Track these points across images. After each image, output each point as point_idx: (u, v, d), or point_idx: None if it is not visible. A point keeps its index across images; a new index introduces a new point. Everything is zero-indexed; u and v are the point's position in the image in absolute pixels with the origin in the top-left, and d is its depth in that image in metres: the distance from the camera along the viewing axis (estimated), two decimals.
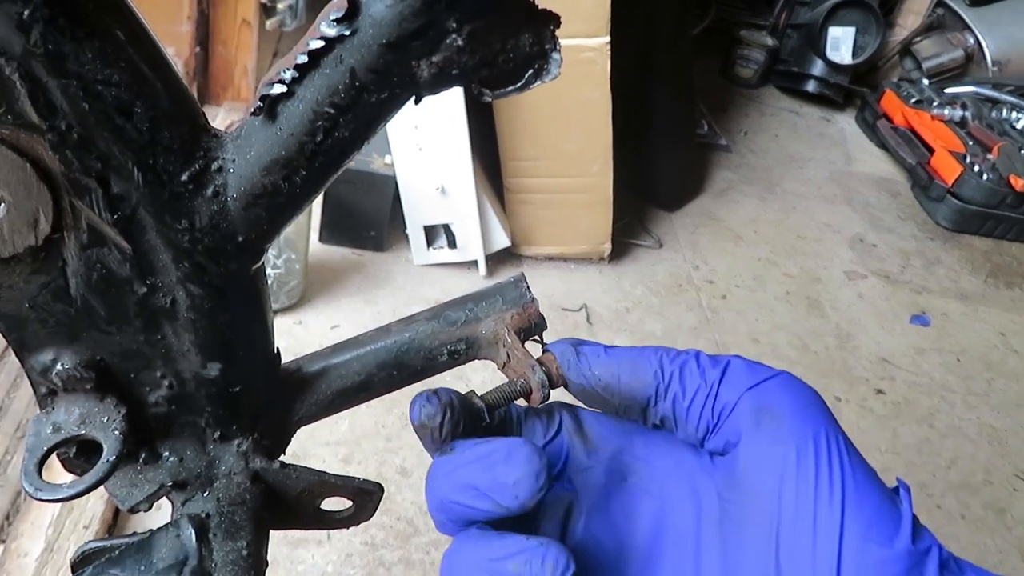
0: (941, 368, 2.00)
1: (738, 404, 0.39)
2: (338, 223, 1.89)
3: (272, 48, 2.34)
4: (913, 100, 3.00)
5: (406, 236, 1.90)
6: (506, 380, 0.42)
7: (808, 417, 0.38)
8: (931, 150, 2.80)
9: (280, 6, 2.01)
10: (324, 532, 1.28)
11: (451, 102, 1.70)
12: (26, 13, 0.26)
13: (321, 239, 1.89)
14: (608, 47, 1.76)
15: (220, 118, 1.97)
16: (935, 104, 2.91)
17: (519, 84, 0.31)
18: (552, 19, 0.31)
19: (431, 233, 1.90)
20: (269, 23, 2.01)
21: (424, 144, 1.74)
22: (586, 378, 0.42)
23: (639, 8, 1.99)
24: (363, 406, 0.47)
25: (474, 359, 0.45)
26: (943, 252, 2.53)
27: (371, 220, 1.88)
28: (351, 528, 0.50)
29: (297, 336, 1.64)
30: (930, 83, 3.13)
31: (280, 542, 1.24)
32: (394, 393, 0.47)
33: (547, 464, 0.35)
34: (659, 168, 2.32)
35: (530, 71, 0.31)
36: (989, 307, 2.29)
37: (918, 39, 3.25)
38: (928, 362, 2.02)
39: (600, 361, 0.42)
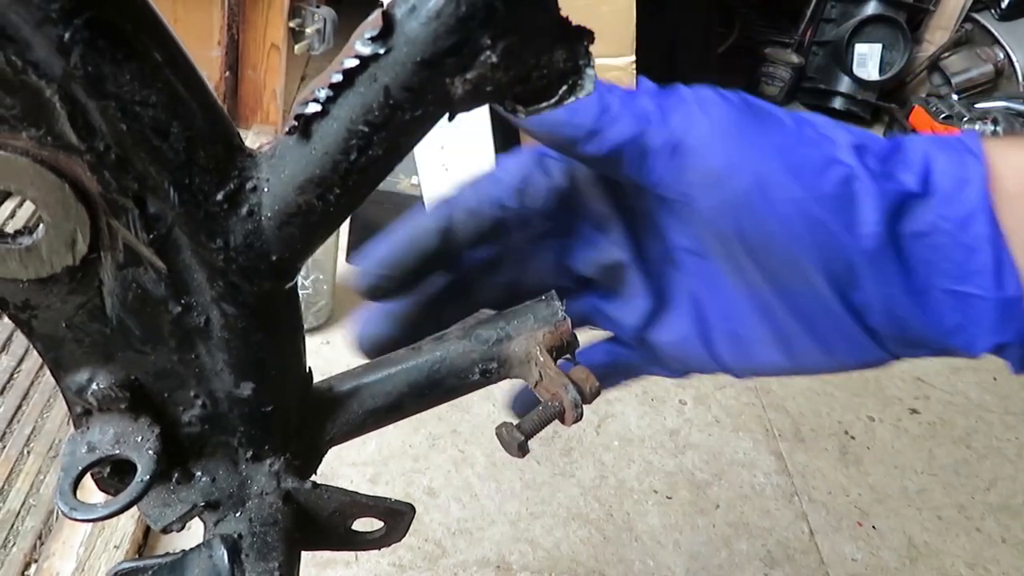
0: (977, 387, 1.96)
1: None
2: (365, 243, 1.89)
3: (300, 72, 2.37)
4: (943, 116, 2.96)
5: None
6: (540, 402, 0.42)
7: None
8: None
9: (308, 31, 2.04)
10: (352, 553, 1.28)
11: (477, 123, 1.70)
12: (67, 36, 0.26)
13: (348, 260, 1.90)
14: (634, 66, 1.76)
15: (249, 141, 1.98)
16: (965, 119, 2.87)
17: (553, 100, 0.31)
18: (586, 35, 0.31)
19: None
20: (297, 47, 2.04)
21: (450, 164, 1.74)
22: None
23: (664, 27, 1.99)
24: (390, 427, 0.46)
25: (505, 378, 0.45)
26: None
27: None
28: (380, 550, 0.49)
29: (325, 356, 1.65)
30: (960, 98, 3.09)
31: (308, 563, 1.23)
32: (422, 414, 0.46)
33: None
34: None
35: (564, 87, 0.31)
36: None
37: (946, 54, 3.22)
38: (963, 381, 1.98)
39: None
